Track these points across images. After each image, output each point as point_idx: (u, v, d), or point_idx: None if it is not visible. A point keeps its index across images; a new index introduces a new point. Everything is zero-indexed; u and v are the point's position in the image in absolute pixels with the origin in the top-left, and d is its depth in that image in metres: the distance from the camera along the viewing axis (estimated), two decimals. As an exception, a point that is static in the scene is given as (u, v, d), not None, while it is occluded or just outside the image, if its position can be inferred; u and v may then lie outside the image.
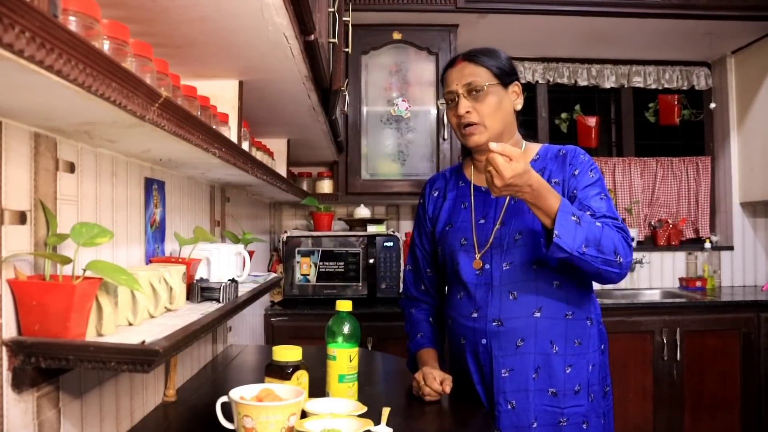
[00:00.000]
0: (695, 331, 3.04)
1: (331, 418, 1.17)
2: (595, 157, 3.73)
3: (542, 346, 1.43)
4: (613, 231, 1.37)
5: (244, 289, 1.41)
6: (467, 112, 1.47)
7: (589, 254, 1.31)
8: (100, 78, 0.64)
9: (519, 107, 1.55)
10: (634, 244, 3.55)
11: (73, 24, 0.68)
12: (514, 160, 1.24)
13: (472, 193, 1.57)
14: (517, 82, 1.54)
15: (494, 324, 1.44)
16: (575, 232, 1.29)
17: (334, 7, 1.76)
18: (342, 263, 2.99)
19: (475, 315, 1.47)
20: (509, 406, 1.43)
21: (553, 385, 1.43)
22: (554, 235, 1.28)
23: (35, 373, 0.84)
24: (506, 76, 1.50)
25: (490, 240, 1.49)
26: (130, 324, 0.94)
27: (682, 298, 3.32)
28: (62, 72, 0.57)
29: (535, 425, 1.42)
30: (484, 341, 1.46)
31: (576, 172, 1.47)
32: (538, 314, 1.44)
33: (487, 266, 1.47)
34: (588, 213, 1.39)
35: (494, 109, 1.47)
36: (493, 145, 1.25)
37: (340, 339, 1.38)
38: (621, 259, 1.35)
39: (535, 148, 1.57)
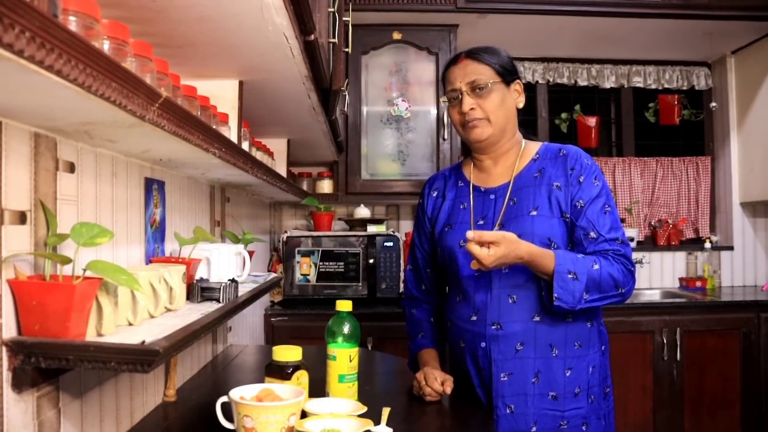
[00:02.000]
0: (695, 331, 3.04)
1: (331, 418, 1.17)
2: (595, 157, 3.72)
3: (542, 351, 1.43)
4: (613, 266, 1.41)
5: (244, 289, 1.41)
6: (471, 108, 1.47)
7: (590, 299, 1.38)
8: (100, 78, 0.64)
9: (521, 105, 1.56)
10: (633, 244, 3.56)
11: (73, 24, 0.68)
12: (494, 244, 1.30)
13: (471, 193, 1.57)
14: (518, 81, 1.54)
15: (493, 327, 1.44)
16: (574, 289, 1.36)
17: (334, 7, 1.76)
18: (342, 263, 2.99)
19: (474, 318, 1.47)
20: (508, 411, 1.43)
21: (553, 389, 1.43)
22: (555, 298, 1.36)
23: (35, 373, 0.84)
24: (508, 74, 1.51)
25: (490, 241, 1.48)
26: (130, 324, 0.94)
27: (682, 298, 3.32)
28: (62, 72, 0.57)
29: (534, 429, 1.41)
30: (483, 344, 1.45)
31: (581, 180, 1.47)
32: (537, 318, 1.43)
33: (486, 268, 1.47)
34: (592, 233, 1.43)
35: (498, 105, 1.48)
36: (468, 234, 1.31)
37: (340, 339, 1.37)
38: (622, 290, 1.42)
39: (534, 146, 1.57)
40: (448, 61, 1.57)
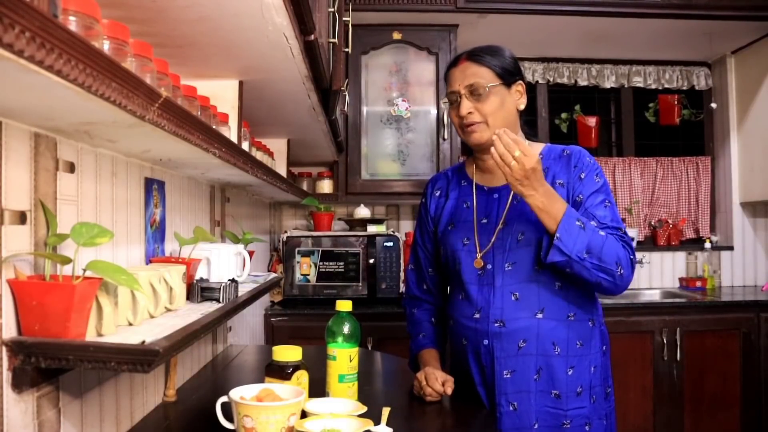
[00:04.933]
0: (695, 331, 3.04)
1: (331, 418, 1.17)
2: (595, 157, 3.72)
3: (544, 348, 1.43)
4: (618, 244, 1.39)
5: (244, 289, 1.41)
6: (469, 113, 1.47)
7: (589, 261, 1.34)
8: (100, 78, 0.63)
9: (522, 107, 1.54)
10: (633, 243, 3.56)
11: (73, 24, 0.68)
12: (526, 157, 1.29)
13: (475, 192, 1.57)
14: (521, 82, 1.53)
15: (496, 325, 1.44)
16: (577, 237, 1.33)
17: (334, 7, 1.76)
18: (342, 263, 2.99)
19: (477, 316, 1.47)
20: (511, 408, 1.43)
21: (555, 387, 1.43)
22: (556, 238, 1.32)
23: (35, 373, 0.84)
24: (510, 75, 1.50)
25: (492, 240, 1.48)
26: (130, 324, 0.94)
27: (682, 298, 3.32)
28: (62, 72, 0.57)
29: (536, 427, 1.42)
30: (486, 342, 1.45)
31: (582, 176, 1.47)
32: (540, 315, 1.43)
33: (489, 266, 1.47)
34: (593, 222, 1.41)
35: (496, 109, 1.47)
36: (511, 135, 1.30)
37: (340, 339, 1.37)
38: (622, 271, 1.38)
39: (538, 147, 1.57)
40: (450, 62, 1.57)
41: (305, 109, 1.89)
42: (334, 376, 1.36)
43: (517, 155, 1.28)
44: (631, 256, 1.41)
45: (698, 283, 3.58)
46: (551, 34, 3.39)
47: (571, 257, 1.32)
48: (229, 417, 1.10)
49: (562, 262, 1.34)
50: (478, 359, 1.48)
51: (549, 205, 1.33)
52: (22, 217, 0.81)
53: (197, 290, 1.21)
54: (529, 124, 1.63)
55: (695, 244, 3.77)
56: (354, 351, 1.38)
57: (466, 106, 1.47)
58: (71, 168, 0.95)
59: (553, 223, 1.34)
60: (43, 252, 0.85)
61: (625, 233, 1.45)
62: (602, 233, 1.37)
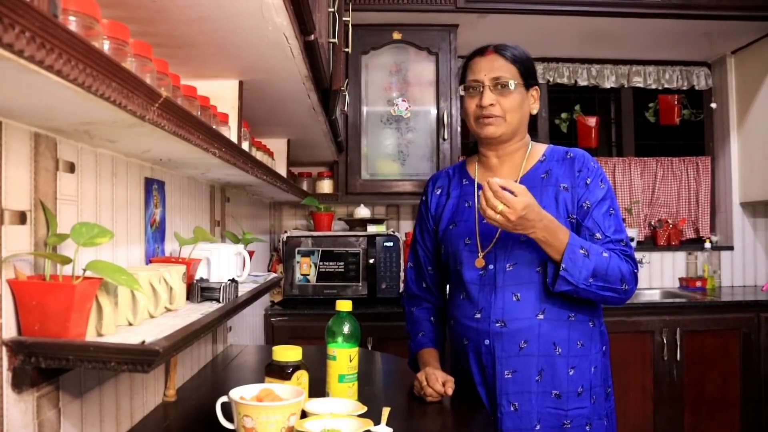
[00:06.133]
0: (695, 331, 3.04)
1: (331, 418, 1.17)
2: (595, 157, 3.73)
3: (545, 348, 1.43)
4: (621, 260, 1.42)
5: (244, 289, 1.41)
6: (491, 104, 1.48)
7: (594, 285, 1.37)
8: (100, 78, 0.63)
9: (534, 112, 1.57)
10: (633, 244, 3.56)
11: (73, 24, 0.68)
12: (519, 194, 1.28)
13: (477, 191, 1.57)
14: (536, 87, 1.56)
15: (497, 325, 1.44)
16: (582, 266, 1.35)
17: (334, 7, 1.76)
18: (342, 263, 2.99)
19: (478, 316, 1.47)
20: (512, 408, 1.43)
21: (557, 387, 1.43)
22: (561, 269, 1.34)
23: (35, 373, 0.84)
24: (530, 78, 1.52)
25: (494, 240, 1.49)
26: (130, 324, 0.94)
27: (682, 298, 3.32)
28: (62, 72, 0.57)
29: (538, 427, 1.42)
30: (487, 342, 1.46)
31: (588, 181, 1.49)
32: (541, 316, 1.44)
33: (491, 266, 1.47)
34: (597, 234, 1.44)
35: (516, 107, 1.49)
36: (496, 180, 1.29)
37: (340, 339, 1.37)
38: (626, 287, 1.42)
39: (541, 148, 1.58)
40: (474, 51, 1.56)
41: (305, 109, 1.89)
42: (334, 376, 1.36)
43: (500, 209, 1.29)
44: (635, 270, 1.45)
45: (698, 283, 3.58)
46: (551, 34, 3.39)
47: (578, 286, 1.36)
48: (229, 417, 1.10)
49: (569, 290, 1.37)
50: (479, 359, 1.48)
51: (551, 237, 1.35)
52: (22, 217, 0.81)
53: (197, 290, 1.21)
54: (528, 124, 1.63)
55: (695, 244, 3.77)
56: (354, 351, 1.38)
57: (489, 97, 1.47)
58: (71, 168, 0.95)
59: (557, 254, 1.37)
60: (43, 252, 0.85)
61: (627, 244, 1.47)
62: (606, 254, 1.39)
